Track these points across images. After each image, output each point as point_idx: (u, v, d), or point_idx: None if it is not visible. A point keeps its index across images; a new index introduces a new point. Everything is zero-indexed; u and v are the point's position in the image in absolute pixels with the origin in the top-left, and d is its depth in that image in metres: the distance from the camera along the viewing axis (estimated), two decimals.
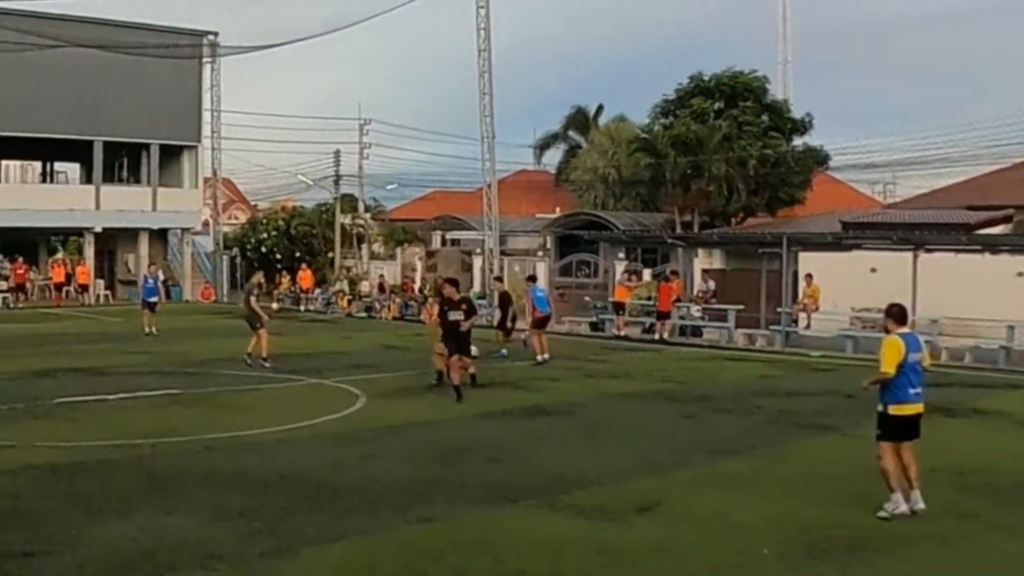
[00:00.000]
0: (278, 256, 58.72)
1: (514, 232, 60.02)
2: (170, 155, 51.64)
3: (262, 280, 25.41)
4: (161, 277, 49.01)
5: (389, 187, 77.49)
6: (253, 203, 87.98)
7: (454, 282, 20.19)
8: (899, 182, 64.90)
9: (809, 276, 29.55)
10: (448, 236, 63.98)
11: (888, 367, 10.34)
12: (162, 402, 18.27)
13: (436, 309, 21.47)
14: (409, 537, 9.72)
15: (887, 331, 10.82)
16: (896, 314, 10.73)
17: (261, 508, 10.69)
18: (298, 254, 58.27)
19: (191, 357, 25.50)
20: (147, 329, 30.67)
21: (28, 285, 47.89)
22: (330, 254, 59.08)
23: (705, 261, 38.26)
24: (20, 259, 47.53)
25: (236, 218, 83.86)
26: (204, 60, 51.11)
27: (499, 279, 31.13)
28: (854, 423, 15.60)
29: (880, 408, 10.53)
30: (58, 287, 47.70)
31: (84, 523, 10.07)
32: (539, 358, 23.99)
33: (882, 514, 10.27)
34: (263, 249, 59.95)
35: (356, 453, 13.72)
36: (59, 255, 59.77)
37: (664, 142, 44.64)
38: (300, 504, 10.92)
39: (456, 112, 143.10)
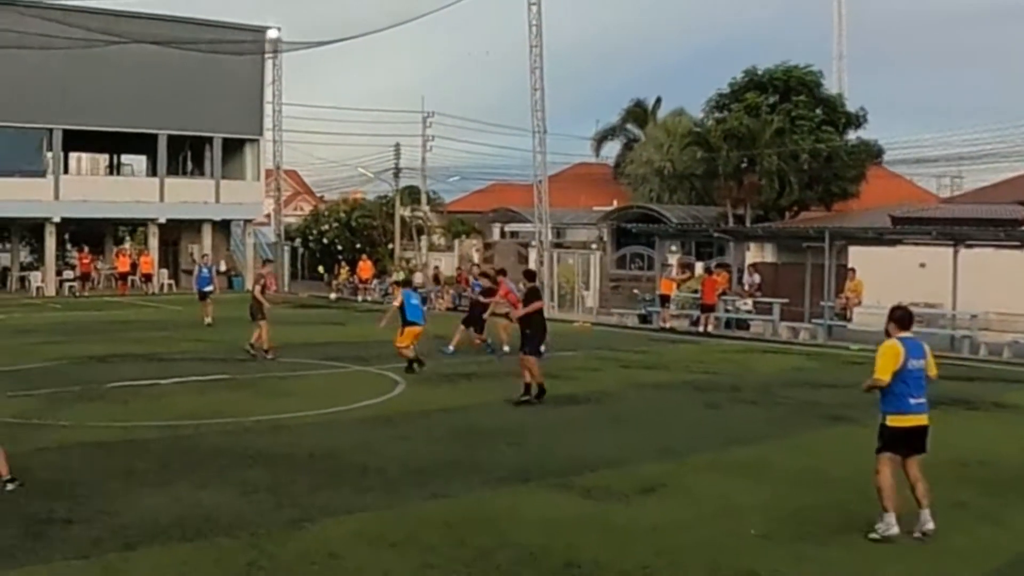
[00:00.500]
0: (339, 247, 59.75)
1: (571, 225, 60.59)
2: (233, 148, 52.74)
3: (268, 271, 25.84)
4: (222, 267, 50.60)
5: (451, 179, 78.56)
6: (319, 194, 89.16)
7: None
8: (965, 176, 64.40)
9: (852, 270, 29.77)
10: (507, 228, 64.73)
11: (882, 374, 9.68)
12: (211, 387, 19.13)
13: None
14: (421, 511, 10.39)
15: (888, 335, 10.05)
16: (899, 318, 9.97)
17: (289, 484, 11.43)
18: (359, 245, 59.22)
19: (245, 344, 26.34)
20: (207, 319, 31.52)
21: (94, 274, 49.29)
22: (390, 246, 59.97)
23: (757, 255, 38.53)
24: (86, 249, 48.93)
25: (302, 209, 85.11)
26: (266, 55, 52.14)
27: (485, 274, 28.78)
28: (875, 416, 16.00)
29: (880, 418, 9.91)
30: (122, 276, 49.05)
31: (123, 494, 10.87)
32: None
33: (873, 535, 9.52)
34: (324, 240, 61.09)
35: (386, 435, 14.43)
36: (126, 245, 61.32)
37: (717, 136, 44.89)
38: (326, 481, 11.64)
39: (518, 104, 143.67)
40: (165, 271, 52.24)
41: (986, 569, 9.05)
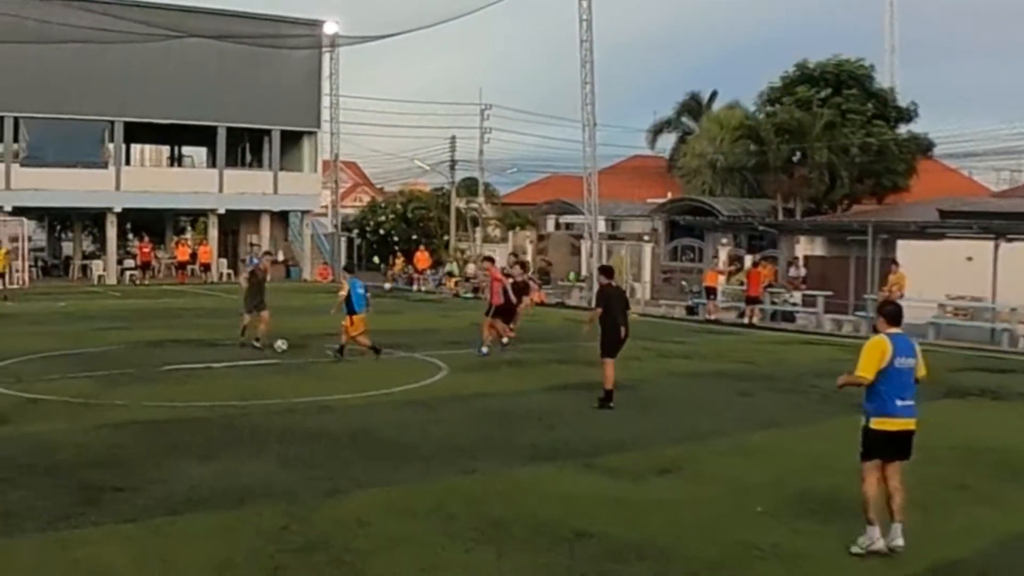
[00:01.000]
0: (395, 238, 60.66)
1: (624, 217, 61.02)
2: (290, 140, 53.74)
3: (268, 266, 25.84)
4: (280, 257, 51.60)
5: (509, 171, 79.29)
6: (379, 186, 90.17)
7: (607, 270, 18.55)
8: None
9: (894, 263, 29.95)
10: (561, 220, 65.27)
11: (864, 371, 8.99)
12: (261, 371, 19.92)
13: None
14: (448, 485, 11.03)
15: (875, 330, 9.54)
16: (888, 313, 9.36)
17: (326, 459, 12.13)
18: (414, 237, 60.06)
19: (297, 331, 27.06)
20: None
21: (154, 263, 50.52)
22: (445, 237, 60.73)
23: (807, 248, 38.72)
24: (146, 238, 50.17)
25: (361, 201, 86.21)
26: (323, 49, 53.04)
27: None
28: None
29: (863, 421, 9.14)
30: (181, 265, 50.28)
31: (171, 467, 11.63)
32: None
33: (855, 549, 8.90)
34: (381, 231, 62.06)
35: (423, 417, 15.09)
36: (187, 235, 62.68)
37: (768, 129, 45.11)
38: (362, 457, 12.33)
39: (576, 96, 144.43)
40: (224, 260, 53.34)
41: (978, 546, 9.46)
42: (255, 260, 34.21)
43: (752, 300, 31.71)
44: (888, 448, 9.03)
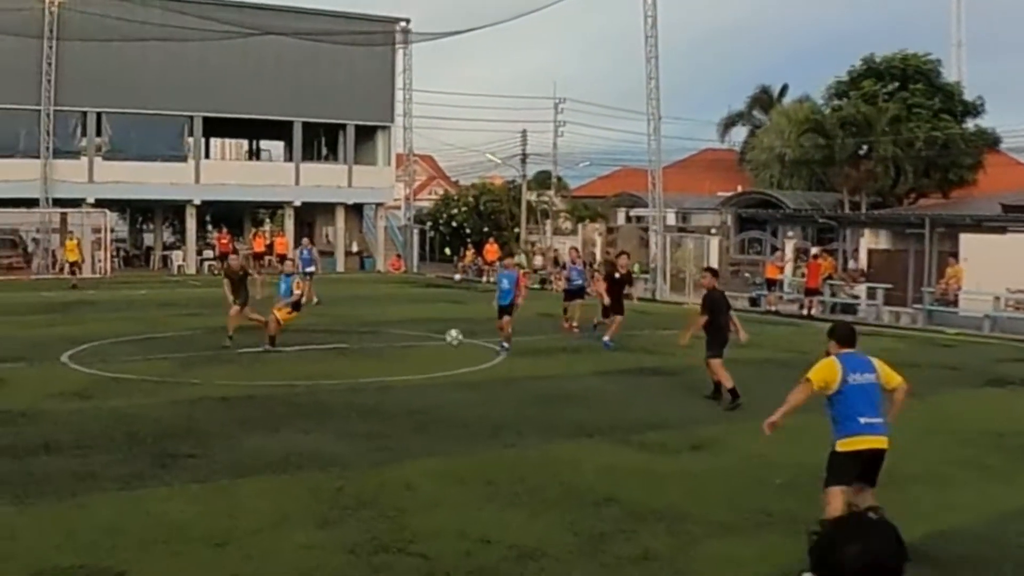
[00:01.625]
0: (467, 231, 61.67)
1: (694, 210, 61.39)
2: (365, 134, 54.93)
3: (238, 264, 24.71)
4: (354, 248, 52.92)
5: (582, 164, 79.96)
6: (455, 179, 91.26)
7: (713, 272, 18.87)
8: None
9: (952, 256, 30.24)
10: (631, 213, 65.77)
11: (812, 375, 8.97)
12: (329, 354, 20.95)
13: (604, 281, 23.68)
14: (492, 456, 11.90)
15: (827, 353, 9.18)
16: (839, 334, 9.21)
17: (382, 432, 13.06)
18: (486, 229, 60.97)
19: (367, 319, 28.20)
20: (314, 299, 32.94)
21: (231, 255, 51.95)
22: (516, 229, 61.57)
23: (872, 241, 38.98)
24: (224, 229, 51.70)
25: (436, 194, 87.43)
26: (397, 46, 54.15)
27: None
28: (934, 391, 17.19)
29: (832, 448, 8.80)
30: (257, 256, 51.66)
31: (239, 437, 12.65)
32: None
33: None
34: (453, 224, 63.13)
35: (476, 397, 15.98)
36: (265, 227, 64.26)
37: (833, 123, 45.34)
38: (414, 431, 13.24)
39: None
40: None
41: (980, 518, 10.06)
42: (306, 252, 34.79)
43: (811, 292, 32.11)
44: (858, 467, 8.60)
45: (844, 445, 8.58)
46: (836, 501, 8.37)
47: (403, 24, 54.03)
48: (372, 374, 18.01)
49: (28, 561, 8.09)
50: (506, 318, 21.63)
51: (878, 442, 8.54)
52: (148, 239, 60.02)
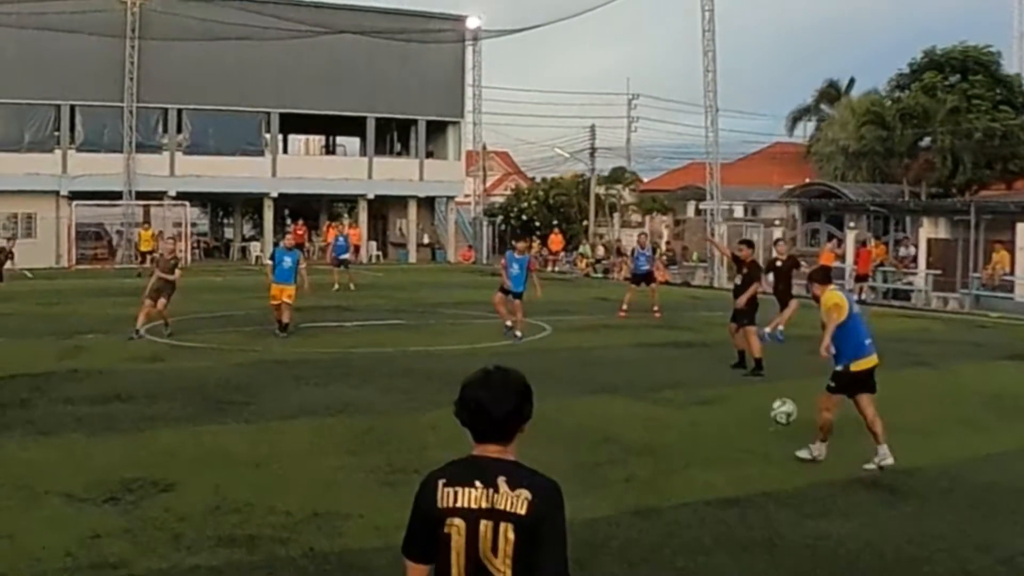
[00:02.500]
0: (536, 223, 62.87)
1: (762, 202, 61.92)
2: (436, 129, 56.40)
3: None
4: (425, 240, 54.42)
5: (654, 159, 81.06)
6: (531, 175, 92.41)
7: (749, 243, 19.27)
8: None
9: (998, 243, 30.80)
10: (701, 206, 66.47)
11: (840, 316, 10.32)
12: (385, 328, 22.37)
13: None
14: None
15: (815, 297, 10.81)
16: (823, 277, 10.98)
17: (417, 388, 14.39)
18: (555, 222, 62.09)
19: (427, 301, 29.56)
20: (338, 286, 33.11)
21: (307, 245, 53.75)
22: (584, 222, 62.64)
23: (931, 231, 39.47)
24: (300, 222, 53.51)
25: (512, 189, 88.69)
26: (466, 43, 55.52)
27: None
28: (952, 362, 18.23)
29: (838, 367, 10.55)
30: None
31: (289, 390, 14.09)
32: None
33: (803, 454, 10.66)
34: (524, 217, 64.38)
35: (514, 362, 16.89)
36: (344, 220, 66.04)
37: (893, 115, 45.79)
38: (448, 387, 14.32)
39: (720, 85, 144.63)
40: (374, 243, 56.33)
41: (947, 460, 11.02)
42: (342, 240, 36.17)
43: (861, 278, 32.77)
44: (858, 384, 10.41)
45: (859, 365, 10.30)
46: (829, 408, 10.54)
47: (472, 22, 55.30)
48: (420, 344, 19.39)
49: (96, 476, 9.50)
50: (516, 302, 21.06)
51: (877, 359, 10.51)
52: (229, 232, 62.15)
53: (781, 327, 20.83)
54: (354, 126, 55.85)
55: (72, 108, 46.49)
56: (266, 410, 12.70)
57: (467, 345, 19.44)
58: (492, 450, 3.71)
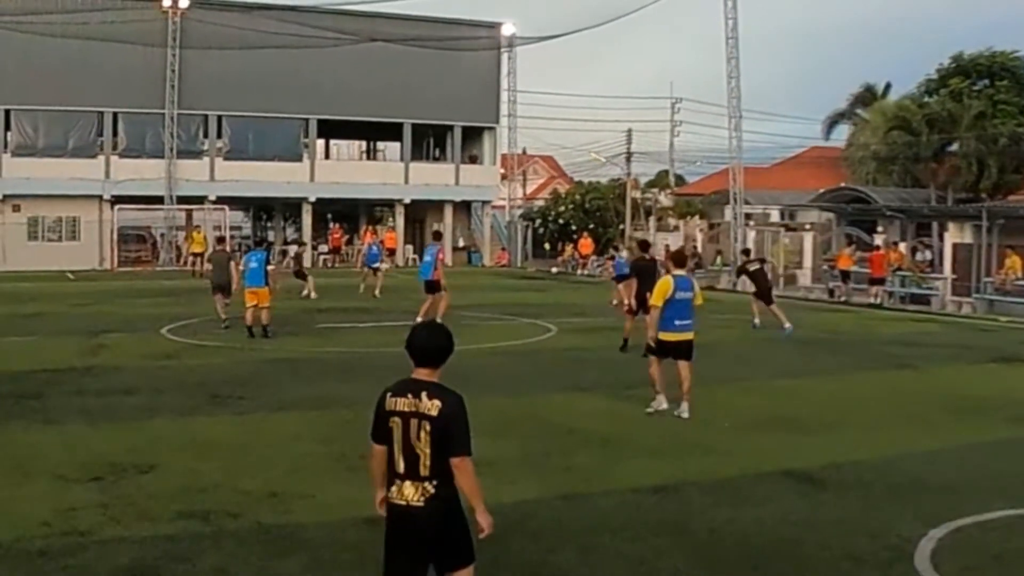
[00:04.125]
0: (573, 227, 63.58)
1: (797, 206, 62.17)
2: (472, 135, 57.36)
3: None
4: (460, 244, 55.33)
5: (696, 163, 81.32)
6: (577, 179, 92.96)
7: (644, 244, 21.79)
8: None
9: (1009, 248, 31.16)
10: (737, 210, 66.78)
11: (655, 300, 13.20)
12: (397, 329, 22.93)
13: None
14: (492, 402, 13.82)
15: (666, 271, 13.95)
16: (675, 259, 14.03)
17: None
18: (591, 226, 62.71)
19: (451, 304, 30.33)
20: (363, 288, 34.63)
21: (344, 248, 54.91)
22: (620, 226, 63.25)
23: (956, 235, 39.77)
24: (337, 226, 54.63)
25: (556, 193, 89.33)
26: (502, 50, 56.41)
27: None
28: (935, 363, 18.87)
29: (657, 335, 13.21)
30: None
31: (286, 386, 15.08)
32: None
33: (648, 410, 13.28)
34: (560, 221, 65.12)
35: (507, 361, 18.15)
36: (389, 223, 67.09)
37: (919, 120, 46.09)
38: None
39: (757, 88, 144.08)
40: (410, 247, 57.34)
41: (883, 455, 11.68)
42: (375, 248, 36.81)
43: (875, 281, 33.30)
44: (672, 351, 13.21)
45: (666, 336, 13.18)
46: (653, 367, 13.48)
47: (507, 29, 56.16)
48: None
49: (87, 459, 10.52)
50: (432, 296, 22.76)
51: (685, 336, 13.27)
52: (269, 235, 63.46)
53: (787, 324, 22.13)
54: (392, 132, 56.95)
55: (115, 115, 48.10)
56: (258, 404, 13.67)
57: (474, 345, 20.24)
58: (423, 373, 5.64)
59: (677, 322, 13.17)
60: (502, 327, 24.12)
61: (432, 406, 5.44)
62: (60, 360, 17.60)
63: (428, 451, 5.37)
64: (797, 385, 16.32)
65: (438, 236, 26.27)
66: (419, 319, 21.22)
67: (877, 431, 12.80)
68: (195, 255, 43.37)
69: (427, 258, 23.83)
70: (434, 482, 5.38)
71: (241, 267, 21.89)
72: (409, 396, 5.50)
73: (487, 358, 18.55)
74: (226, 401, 13.83)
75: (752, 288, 25.15)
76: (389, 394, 5.57)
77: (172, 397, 14.10)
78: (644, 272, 18.69)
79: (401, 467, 5.44)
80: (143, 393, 14.40)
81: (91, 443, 11.34)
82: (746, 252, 21.19)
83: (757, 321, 24.47)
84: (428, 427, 5.38)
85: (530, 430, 12.31)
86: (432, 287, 23.21)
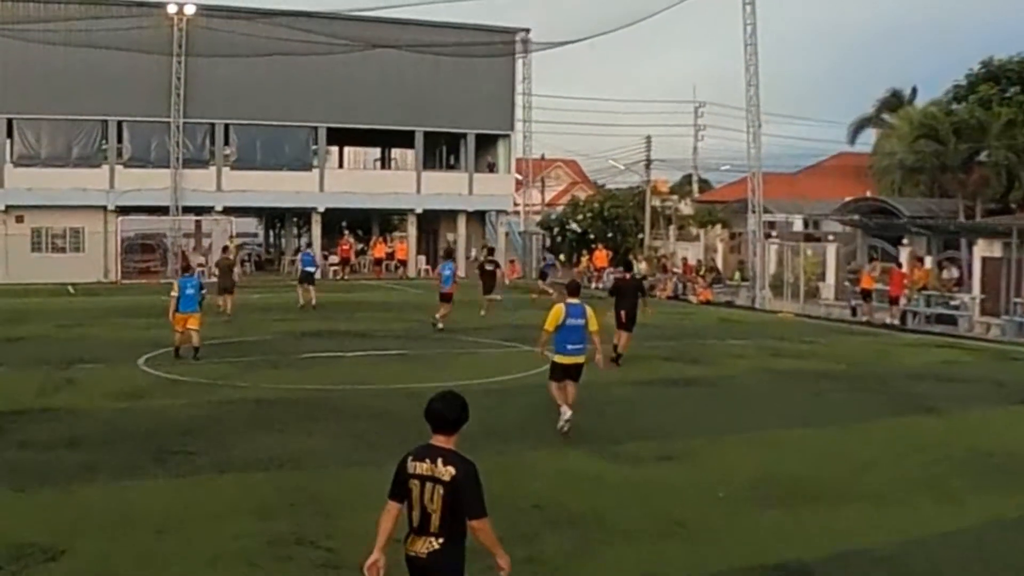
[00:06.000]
0: (591, 236, 62.21)
1: (820, 216, 60.62)
2: (486, 143, 56.12)
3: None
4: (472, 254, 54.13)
5: (723, 168, 79.88)
6: (601, 183, 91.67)
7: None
8: None
9: None
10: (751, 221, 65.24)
11: (547, 325, 14.39)
12: (386, 359, 22.08)
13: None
14: None
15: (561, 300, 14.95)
16: (569, 288, 15.36)
17: (379, 435, 14.01)
18: (610, 235, 61.35)
19: (450, 326, 29.09)
20: (303, 301, 33.68)
21: (353, 260, 53.81)
22: (640, 235, 61.87)
23: (985, 250, 38.24)
24: (346, 235, 53.56)
25: (574, 199, 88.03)
26: (517, 56, 55.11)
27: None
28: (963, 406, 17.45)
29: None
30: (378, 262, 53.48)
31: (244, 437, 13.87)
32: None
33: (560, 425, 14.23)
34: (579, 229, 63.75)
35: (496, 403, 16.78)
36: (396, 233, 66.02)
37: (946, 128, 44.57)
38: (409, 434, 13.78)
39: (787, 91, 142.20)
40: (423, 258, 56.20)
41: (904, 539, 10.42)
42: (307, 256, 36.16)
43: (895, 301, 31.87)
44: (563, 373, 14.44)
45: (559, 359, 14.45)
46: (551, 390, 14.66)
47: (523, 34, 54.93)
48: (409, 380, 18.88)
49: None
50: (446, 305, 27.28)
51: (576, 359, 14.41)
52: (283, 243, 62.58)
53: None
54: (404, 139, 55.85)
55: (119, 123, 47.23)
56: (204, 462, 12.47)
57: (458, 381, 18.90)
58: (440, 440, 6.14)
59: (569, 346, 14.33)
60: (499, 358, 22.84)
61: (446, 472, 5.96)
62: (19, 399, 16.57)
63: (439, 511, 5.94)
64: (806, 436, 14.93)
65: (449, 254, 33.56)
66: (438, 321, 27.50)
67: (891, 504, 11.37)
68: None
69: (447, 272, 28.70)
70: (440, 539, 5.99)
71: (175, 292, 21.47)
72: (427, 461, 6.03)
73: (474, 399, 16.91)
74: (171, 459, 12.61)
75: None
76: (411, 458, 6.12)
77: (116, 452, 12.91)
78: (621, 290, 22.41)
79: (415, 523, 6.04)
80: (88, 446, 13.24)
81: (7, 516, 10.19)
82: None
83: None
84: (441, 491, 5.93)
85: (494, 502, 10.86)
86: (446, 298, 28.17)
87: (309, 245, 50.37)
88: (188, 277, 22.44)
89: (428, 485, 5.98)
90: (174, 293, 21.55)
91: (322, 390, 17.80)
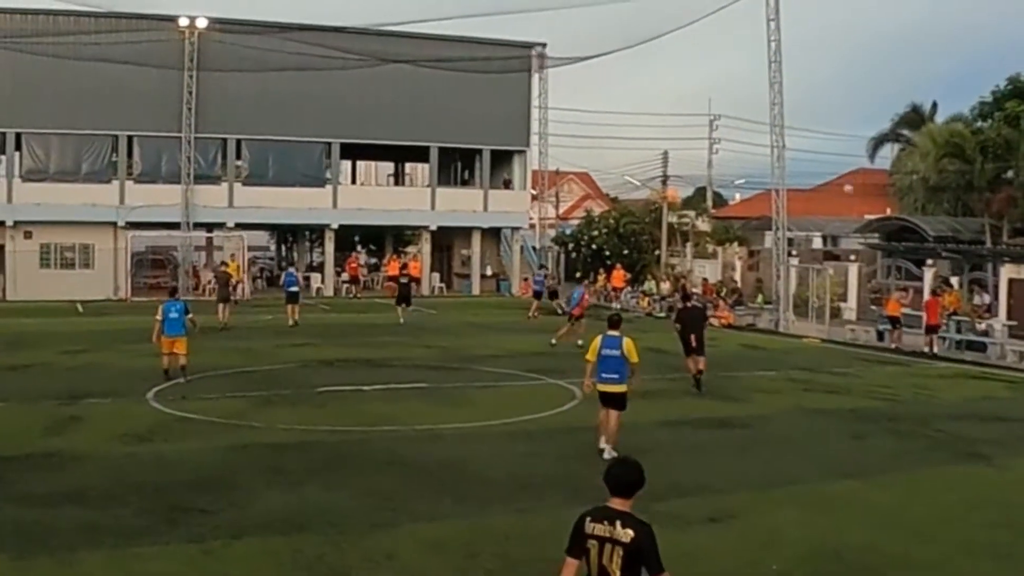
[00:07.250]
0: (607, 253, 61.27)
1: (840, 234, 59.75)
2: (501, 159, 55.32)
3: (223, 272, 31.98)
4: (488, 272, 53.35)
5: (738, 182, 79.14)
6: (614, 196, 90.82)
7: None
8: None
9: None
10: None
11: (588, 355, 15.62)
12: (405, 394, 21.18)
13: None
14: (492, 523, 11.87)
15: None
16: (610, 321, 16.01)
17: (400, 491, 13.20)
18: (626, 251, 60.37)
19: (464, 352, 28.37)
20: (291, 322, 34.31)
21: (362, 278, 52.98)
22: (656, 252, 60.96)
23: (1013, 272, 37.33)
24: (354, 253, 52.76)
25: (589, 214, 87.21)
26: (533, 71, 54.30)
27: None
28: (1011, 454, 16.46)
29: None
30: (392, 279, 52.55)
31: (261, 492, 13.00)
32: None
33: (606, 455, 14.61)
34: (593, 246, 62.81)
35: (521, 450, 15.96)
36: (410, 250, 65.21)
37: (972, 147, 43.68)
38: (434, 489, 13.31)
39: (804, 106, 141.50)
40: (437, 275, 55.37)
41: None
42: (291, 275, 37.20)
43: (931, 329, 30.87)
44: (602, 400, 15.38)
45: (599, 387, 15.39)
46: (600, 413, 15.58)
47: (539, 49, 54.14)
48: (432, 420, 18.11)
49: None
50: None
51: (609, 388, 15.31)
52: (296, 257, 61.78)
53: None
54: (418, 155, 55.13)
55: (130, 139, 46.60)
56: (220, 522, 11.62)
57: (482, 421, 18.22)
58: (617, 503, 6.33)
59: (604, 375, 15.27)
60: (521, 392, 22.01)
61: (625, 534, 6.19)
62: (20, 441, 15.81)
63: (618, 572, 6.17)
64: (853, 492, 13.98)
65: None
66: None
67: None
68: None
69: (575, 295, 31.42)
70: None
71: (159, 316, 21.69)
72: (605, 523, 6.25)
73: (494, 444, 16.52)
74: (183, 518, 11.75)
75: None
76: (588, 519, 6.33)
77: (125, 509, 12.06)
78: (685, 320, 23.56)
79: None
80: (94, 501, 12.39)
81: None
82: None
83: None
84: (621, 552, 6.16)
85: (522, 569, 10.18)
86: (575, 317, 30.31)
87: (292, 264, 50.13)
88: (173, 301, 22.49)
89: (607, 546, 6.21)
90: (158, 317, 21.71)
91: (345, 432, 16.96)
